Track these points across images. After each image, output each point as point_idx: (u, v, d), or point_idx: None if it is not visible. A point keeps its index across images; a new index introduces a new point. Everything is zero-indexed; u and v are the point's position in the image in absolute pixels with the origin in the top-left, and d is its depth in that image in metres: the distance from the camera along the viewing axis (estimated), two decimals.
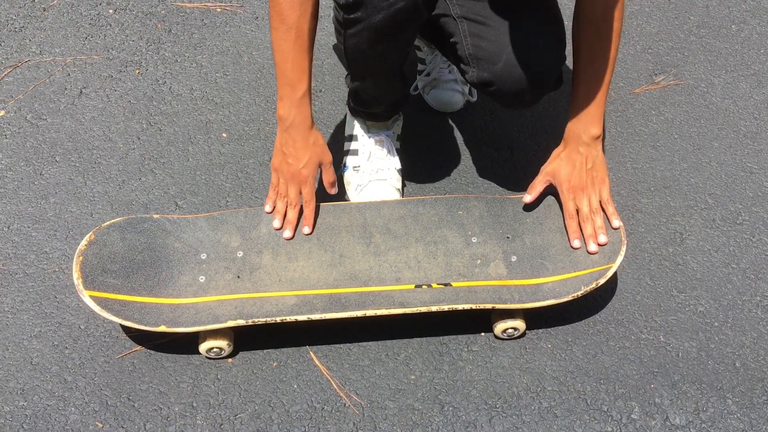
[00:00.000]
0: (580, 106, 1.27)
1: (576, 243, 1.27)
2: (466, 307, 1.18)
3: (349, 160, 1.47)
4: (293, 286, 1.20)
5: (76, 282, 1.15)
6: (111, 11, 1.86)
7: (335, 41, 1.73)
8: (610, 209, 1.28)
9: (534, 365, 1.27)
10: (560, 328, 1.31)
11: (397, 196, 1.45)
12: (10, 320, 1.30)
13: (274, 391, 1.23)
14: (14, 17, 1.83)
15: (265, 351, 1.27)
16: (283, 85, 1.19)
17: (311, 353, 1.27)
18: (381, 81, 1.33)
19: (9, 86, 1.67)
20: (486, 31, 1.24)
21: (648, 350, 1.29)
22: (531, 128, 1.64)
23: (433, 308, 1.17)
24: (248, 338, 1.27)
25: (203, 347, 1.21)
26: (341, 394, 1.23)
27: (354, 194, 1.46)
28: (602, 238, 1.26)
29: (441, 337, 1.30)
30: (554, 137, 1.55)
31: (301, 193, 1.27)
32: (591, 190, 1.28)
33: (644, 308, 1.35)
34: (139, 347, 1.27)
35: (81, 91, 1.67)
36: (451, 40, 1.29)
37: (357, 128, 1.47)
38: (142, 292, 1.18)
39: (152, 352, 1.26)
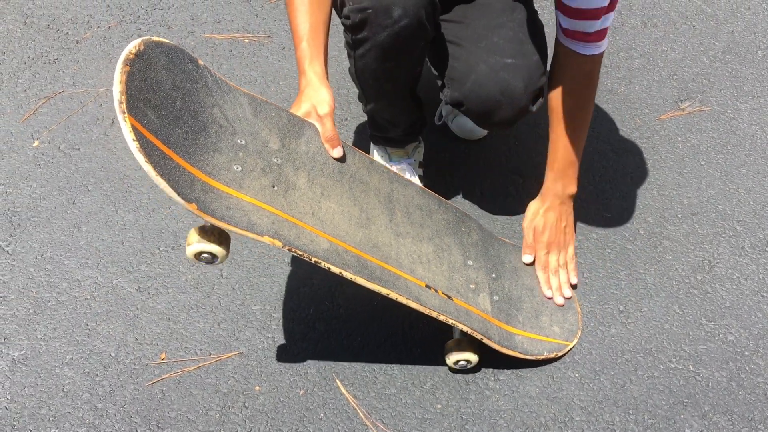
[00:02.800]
0: (559, 167, 1.35)
1: (548, 293, 1.35)
2: (465, 328, 1.18)
3: None
4: (325, 228, 1.11)
5: (117, 98, 0.93)
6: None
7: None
8: (572, 266, 1.39)
9: (562, 395, 1.26)
10: (588, 357, 1.31)
11: None
12: (43, 347, 1.32)
13: (301, 420, 1.23)
14: (48, 50, 1.88)
15: (291, 379, 1.28)
16: (302, 57, 1.17)
17: (337, 381, 1.28)
18: (393, 101, 1.34)
19: (43, 117, 1.71)
20: (459, 51, 1.26)
21: (677, 380, 1.28)
22: None
23: (441, 317, 1.16)
24: (273, 366, 1.28)
25: (193, 249, 1.02)
26: (368, 423, 1.23)
27: None
28: (567, 292, 1.36)
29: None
30: (581, 164, 1.55)
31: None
32: (562, 247, 1.38)
33: (673, 337, 1.33)
34: (168, 374, 1.28)
35: (113, 121, 1.71)
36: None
37: (378, 157, 1.49)
38: (178, 149, 1.00)
39: (181, 380, 1.27)
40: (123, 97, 0.93)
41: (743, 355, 1.31)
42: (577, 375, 1.29)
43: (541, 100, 1.29)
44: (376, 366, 1.30)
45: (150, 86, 0.99)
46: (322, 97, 1.15)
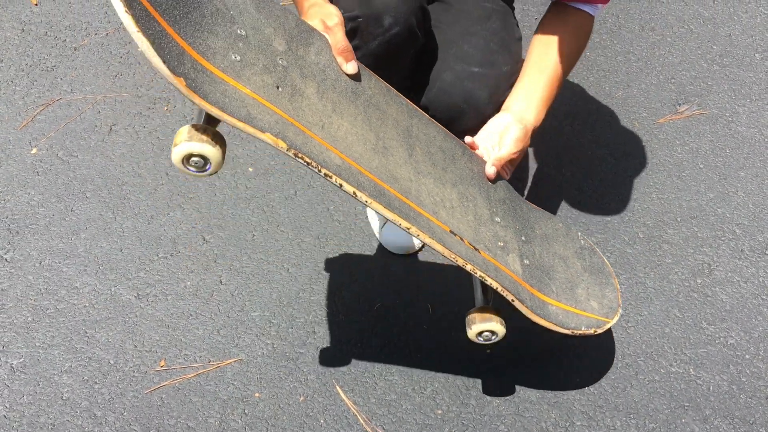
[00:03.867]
0: (540, 105, 1.21)
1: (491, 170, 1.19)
2: (494, 285, 1.05)
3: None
4: (336, 145, 0.97)
5: None
6: (140, 50, 1.90)
7: None
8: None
9: (562, 399, 1.26)
10: (588, 361, 1.30)
11: None
12: (42, 355, 1.31)
13: (301, 426, 1.23)
14: (46, 57, 1.88)
15: (291, 385, 1.27)
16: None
17: (337, 387, 1.27)
18: None
19: (41, 124, 1.71)
20: (431, 59, 1.25)
21: (678, 384, 1.28)
22: (555, 159, 1.64)
23: (468, 266, 1.03)
24: (273, 372, 1.28)
25: (182, 150, 0.85)
26: (368, 429, 1.22)
27: (378, 228, 1.47)
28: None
29: (467, 370, 1.29)
30: (579, 168, 1.55)
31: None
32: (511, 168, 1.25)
33: (673, 341, 1.33)
34: (167, 382, 1.28)
35: (111, 128, 1.70)
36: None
37: None
38: (166, 15, 0.84)
39: (180, 387, 1.27)
40: None
41: (744, 359, 1.31)
42: (578, 379, 1.28)
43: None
44: (376, 372, 1.29)
45: None
46: (329, 10, 1.06)
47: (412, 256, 1.46)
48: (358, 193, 0.95)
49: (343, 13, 1.12)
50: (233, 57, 0.92)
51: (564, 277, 1.20)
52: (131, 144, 1.67)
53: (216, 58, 0.89)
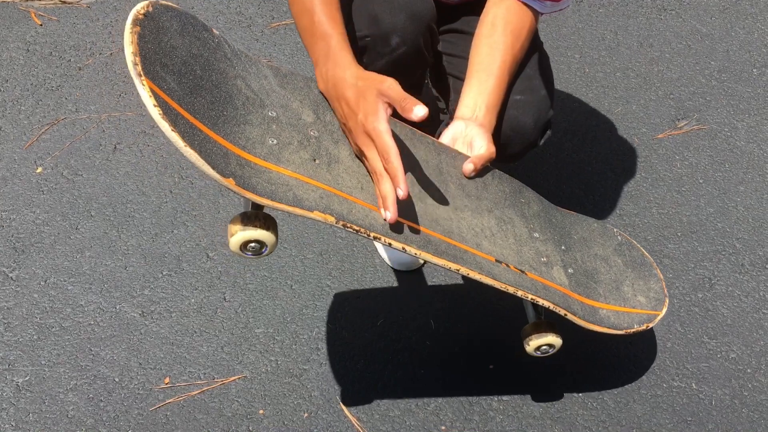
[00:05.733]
0: (494, 112, 1.16)
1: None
2: (546, 304, 1.05)
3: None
4: (377, 203, 0.97)
5: (131, 60, 0.80)
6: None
7: None
8: None
9: (565, 414, 1.26)
10: (591, 376, 1.31)
11: None
12: (47, 373, 1.32)
13: None
14: (51, 76, 1.90)
15: (295, 402, 1.28)
16: (316, 49, 1.02)
17: (341, 404, 1.28)
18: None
19: (46, 143, 1.73)
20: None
21: (680, 398, 1.28)
22: (555, 175, 1.65)
23: (519, 293, 1.03)
24: (277, 389, 1.29)
25: (239, 239, 0.90)
26: None
27: (381, 244, 1.48)
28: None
29: (470, 387, 1.30)
30: (579, 183, 1.57)
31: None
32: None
33: (675, 355, 1.34)
34: (172, 399, 1.28)
35: (115, 147, 1.72)
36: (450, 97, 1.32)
37: None
38: (205, 120, 0.87)
39: (185, 404, 1.28)
40: (137, 58, 0.80)
41: (746, 373, 1.31)
42: (580, 395, 1.29)
43: (548, 132, 1.27)
44: (379, 388, 1.30)
45: (165, 51, 0.86)
46: (368, 78, 0.97)
47: (414, 272, 1.47)
48: (407, 248, 0.96)
49: (356, 34, 1.14)
50: (270, 142, 0.95)
51: (608, 277, 1.20)
52: (135, 162, 1.68)
53: (256, 147, 0.93)
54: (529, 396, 1.28)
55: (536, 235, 1.15)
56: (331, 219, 0.92)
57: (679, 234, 1.53)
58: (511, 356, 1.34)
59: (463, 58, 1.28)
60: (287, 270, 1.47)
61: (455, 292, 1.44)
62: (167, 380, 1.31)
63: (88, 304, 1.42)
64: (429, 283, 1.46)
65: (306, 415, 1.27)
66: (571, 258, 1.17)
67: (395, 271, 1.47)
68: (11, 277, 1.47)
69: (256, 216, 0.90)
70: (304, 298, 1.43)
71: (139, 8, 0.87)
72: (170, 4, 0.93)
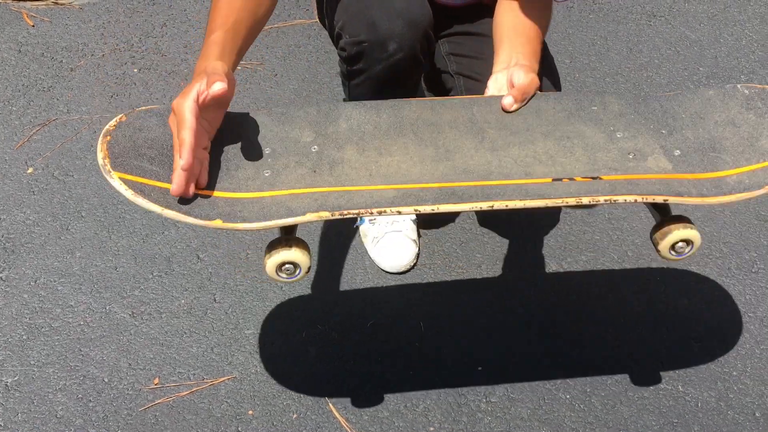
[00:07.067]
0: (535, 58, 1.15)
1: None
2: (630, 199, 0.96)
3: None
4: (389, 181, 0.98)
5: (101, 162, 0.92)
6: (136, 70, 1.93)
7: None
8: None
9: (553, 416, 1.27)
10: (578, 378, 1.32)
11: (413, 247, 1.47)
12: (36, 374, 1.32)
13: None
14: (43, 77, 1.90)
15: (284, 403, 1.29)
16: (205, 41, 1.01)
17: (330, 404, 1.28)
18: None
19: (37, 144, 1.73)
20: (479, 87, 1.27)
21: (667, 400, 1.29)
22: None
23: (585, 200, 0.96)
24: (266, 389, 1.29)
25: (272, 263, 0.95)
26: None
27: (371, 247, 1.49)
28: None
29: (459, 388, 1.30)
30: None
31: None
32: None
33: (662, 358, 1.35)
34: (161, 399, 1.28)
35: None
36: (450, 95, 1.34)
37: None
38: (217, 188, 0.95)
39: (174, 404, 1.28)
40: (105, 160, 0.93)
41: (731, 375, 1.33)
42: (568, 396, 1.30)
43: None
44: (368, 389, 1.30)
45: (141, 145, 0.97)
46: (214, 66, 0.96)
47: (404, 274, 1.48)
48: (420, 208, 0.94)
49: (349, 38, 1.15)
50: (265, 174, 0.99)
51: (736, 140, 1.08)
52: None
53: (248, 183, 0.97)
54: (516, 398, 1.29)
55: (619, 135, 1.08)
56: (326, 214, 0.93)
57: None
58: (500, 358, 1.35)
59: (474, 57, 1.29)
60: None
61: (445, 294, 1.45)
62: (157, 381, 1.31)
63: (78, 304, 1.43)
64: (418, 286, 1.47)
65: (295, 416, 1.27)
66: (677, 139, 1.08)
67: (384, 273, 1.48)
68: (1, 278, 1.47)
69: (284, 241, 0.95)
70: (294, 299, 1.44)
71: (111, 122, 0.99)
72: (151, 107, 1.03)
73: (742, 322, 1.40)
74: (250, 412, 1.28)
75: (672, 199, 0.96)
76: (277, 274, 0.96)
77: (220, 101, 0.94)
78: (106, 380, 1.32)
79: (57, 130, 1.76)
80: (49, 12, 2.10)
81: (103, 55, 1.97)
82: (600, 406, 1.29)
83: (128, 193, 0.91)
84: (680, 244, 1.00)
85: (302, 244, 0.96)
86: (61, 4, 2.12)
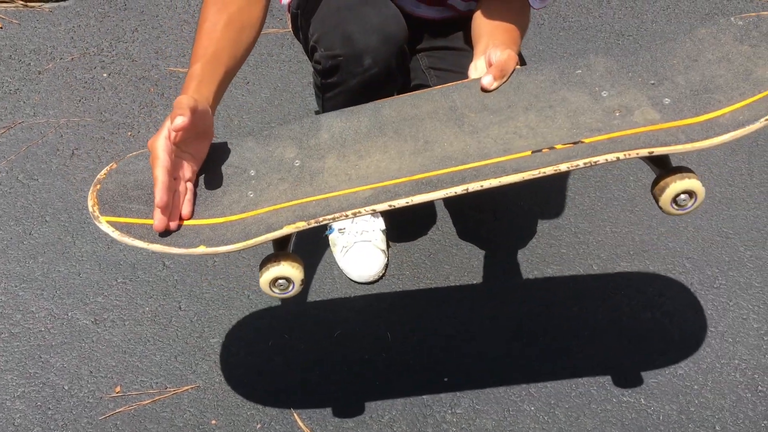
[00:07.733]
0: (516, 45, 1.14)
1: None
2: (611, 157, 0.92)
3: (335, 223, 1.50)
4: (367, 181, 0.98)
5: (90, 210, 0.97)
6: (105, 75, 1.91)
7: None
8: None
9: (517, 428, 1.28)
10: (543, 390, 1.33)
11: (381, 257, 1.47)
12: None
13: None
14: (9, 79, 1.87)
15: (248, 413, 1.27)
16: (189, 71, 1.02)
17: (295, 415, 1.27)
18: None
19: (2, 147, 1.70)
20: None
21: (629, 413, 1.31)
22: (514, 192, 1.68)
23: (563, 166, 0.93)
24: (230, 399, 1.28)
25: (266, 279, 0.96)
26: None
27: (340, 256, 1.48)
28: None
29: (424, 399, 1.30)
30: (537, 200, 1.60)
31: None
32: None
33: (625, 371, 1.36)
34: (122, 408, 1.26)
35: (73, 152, 1.70)
36: None
37: None
38: (205, 215, 0.98)
39: (135, 414, 1.26)
40: (95, 206, 0.98)
41: (693, 389, 1.34)
42: (532, 408, 1.30)
43: None
44: (333, 399, 1.30)
45: (130, 188, 1.01)
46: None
47: (372, 284, 1.48)
48: (395, 203, 0.94)
49: (324, 51, 1.15)
50: (249, 195, 1.01)
51: (730, 75, 1.02)
52: (93, 168, 1.66)
53: (233, 207, 1.00)
54: (481, 409, 1.30)
55: (605, 94, 1.04)
56: (302, 224, 0.94)
57: (631, 252, 1.57)
58: (466, 369, 1.35)
59: (454, 71, 1.30)
60: (245, 280, 1.47)
61: (412, 304, 1.45)
62: (118, 389, 1.29)
63: (39, 310, 1.40)
64: (386, 297, 1.47)
65: (259, 426, 1.26)
66: (667, 88, 1.03)
67: (353, 283, 1.48)
68: None
69: (286, 256, 0.97)
70: (261, 308, 1.43)
71: (103, 172, 1.03)
72: (140, 152, 1.06)
73: (704, 336, 1.43)
74: (213, 421, 1.26)
75: (658, 150, 0.92)
76: (271, 289, 0.97)
77: (197, 134, 0.95)
78: (66, 388, 1.29)
79: (22, 133, 1.74)
80: (18, 14, 2.07)
81: (73, 58, 1.95)
82: (564, 418, 1.29)
83: (115, 234, 0.95)
84: (682, 196, 0.95)
85: (292, 258, 0.96)
86: (31, 7, 2.09)
